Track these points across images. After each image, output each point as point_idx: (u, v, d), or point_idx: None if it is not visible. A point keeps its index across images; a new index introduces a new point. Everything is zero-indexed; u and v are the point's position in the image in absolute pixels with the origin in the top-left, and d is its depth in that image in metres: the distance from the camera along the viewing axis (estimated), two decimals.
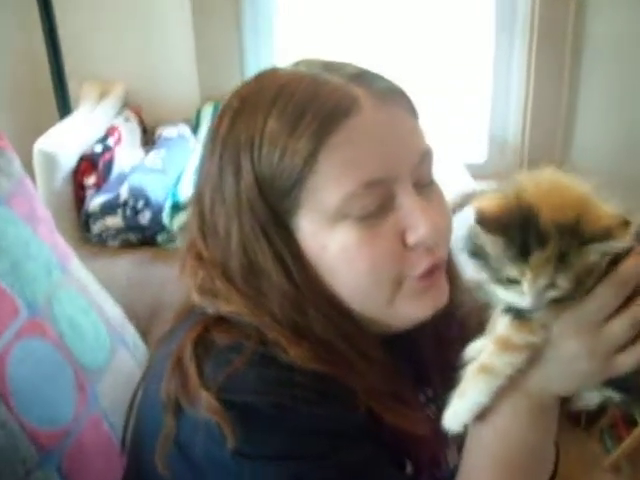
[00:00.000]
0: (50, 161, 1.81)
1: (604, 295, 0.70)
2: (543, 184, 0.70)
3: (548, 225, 0.67)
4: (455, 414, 0.78)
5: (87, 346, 1.19)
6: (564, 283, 0.68)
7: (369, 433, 0.80)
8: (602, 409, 2.35)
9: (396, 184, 0.81)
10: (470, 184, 2.03)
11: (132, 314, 1.47)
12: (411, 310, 0.85)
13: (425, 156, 0.85)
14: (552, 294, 0.69)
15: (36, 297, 1.13)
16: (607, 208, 0.70)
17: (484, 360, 0.76)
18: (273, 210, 0.81)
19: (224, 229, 0.84)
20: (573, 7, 2.24)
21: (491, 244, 0.69)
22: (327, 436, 0.77)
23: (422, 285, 0.84)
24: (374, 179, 0.79)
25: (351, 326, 0.84)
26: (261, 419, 0.75)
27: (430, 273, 0.84)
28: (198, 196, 0.88)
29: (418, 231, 0.81)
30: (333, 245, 0.81)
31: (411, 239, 0.81)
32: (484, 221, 0.68)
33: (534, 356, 0.74)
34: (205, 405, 0.75)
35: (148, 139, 2.27)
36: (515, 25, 2.34)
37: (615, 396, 0.77)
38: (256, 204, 0.81)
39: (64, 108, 2.17)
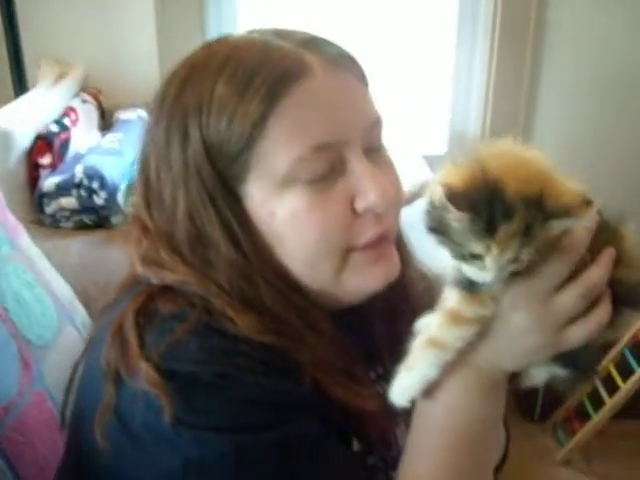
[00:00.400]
0: (5, 138, 1.76)
1: (552, 266, 0.70)
2: (506, 158, 0.70)
3: (514, 199, 0.66)
4: (402, 388, 0.77)
5: (33, 322, 1.16)
6: (526, 257, 0.67)
7: (315, 408, 0.79)
8: (556, 403, 2.38)
9: (346, 148, 0.81)
10: (428, 175, 2.03)
11: (84, 296, 1.44)
12: (360, 282, 0.84)
13: (375, 124, 0.85)
14: (513, 268, 0.68)
15: None
16: (569, 184, 0.69)
17: (433, 333, 0.75)
18: (221, 177, 0.80)
19: (170, 197, 0.82)
20: None
21: (457, 220, 0.68)
22: (270, 408, 0.75)
23: (370, 255, 0.83)
24: (324, 143, 0.78)
25: (300, 299, 0.83)
26: (203, 388, 0.73)
27: (377, 243, 0.83)
28: (143, 165, 0.86)
29: (368, 197, 0.80)
30: (282, 211, 0.80)
31: (360, 205, 0.81)
32: (452, 197, 0.66)
33: (484, 330, 0.74)
34: (144, 377, 0.73)
35: (107, 123, 2.23)
36: (477, 15, 2.37)
37: (561, 372, 0.77)
38: (204, 171, 0.79)
39: (20, 87, 2.13)
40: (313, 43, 0.83)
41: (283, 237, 0.81)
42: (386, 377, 0.96)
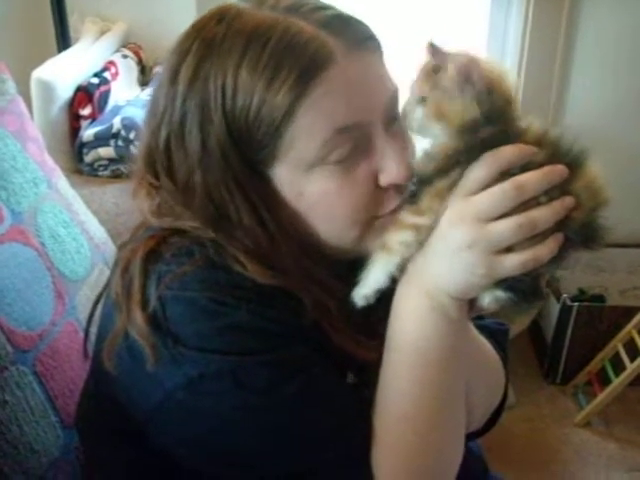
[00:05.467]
0: (47, 90, 1.85)
1: (496, 192, 0.75)
2: None
3: None
4: (360, 289, 0.83)
5: (67, 257, 1.23)
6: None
7: (311, 340, 0.83)
8: (578, 367, 2.41)
9: (369, 128, 0.84)
10: None
11: (119, 239, 1.50)
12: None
13: (393, 96, 0.88)
14: None
15: (21, 207, 1.18)
16: None
17: (383, 239, 0.82)
18: (247, 161, 0.82)
19: (185, 176, 0.84)
20: None
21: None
22: (264, 334, 0.80)
23: (390, 220, 0.86)
24: (348, 125, 0.81)
25: (320, 259, 0.87)
26: (201, 312, 0.79)
27: (398, 209, 0.86)
28: (152, 129, 0.87)
29: (391, 174, 0.84)
30: (310, 191, 0.83)
31: (384, 181, 0.85)
32: None
33: (423, 241, 0.79)
34: (136, 329, 0.79)
35: (147, 78, 2.29)
36: None
37: (503, 296, 0.80)
38: (228, 154, 0.82)
39: (63, 42, 2.20)
40: (333, 24, 0.83)
41: (310, 215, 0.85)
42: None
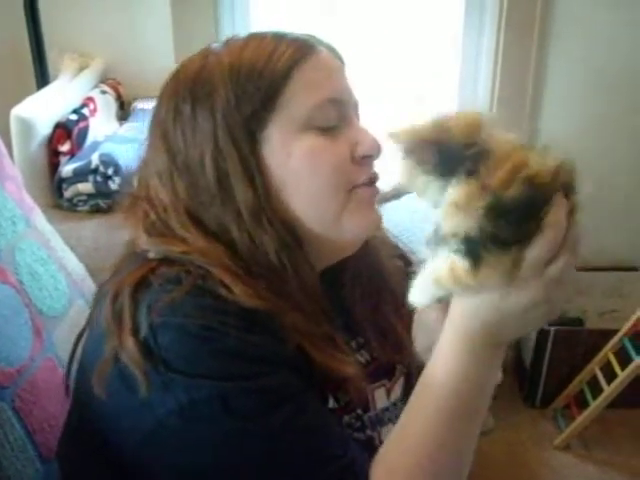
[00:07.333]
0: (26, 127, 1.87)
1: (546, 243, 0.75)
2: None
3: None
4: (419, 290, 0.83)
5: (45, 294, 1.25)
6: None
7: (296, 366, 0.86)
8: (557, 390, 2.43)
9: (348, 109, 0.97)
10: None
11: (97, 275, 1.52)
12: (355, 222, 0.95)
13: (357, 105, 1.01)
14: None
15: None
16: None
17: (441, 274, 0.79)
18: (245, 123, 0.91)
19: (198, 150, 0.91)
20: None
21: None
22: (251, 360, 0.83)
23: (367, 194, 0.96)
24: (335, 98, 0.94)
25: (298, 248, 0.93)
26: (190, 338, 0.81)
27: (372, 183, 0.96)
28: (167, 144, 0.94)
29: (365, 145, 0.95)
30: (298, 151, 0.92)
31: (360, 151, 0.95)
32: None
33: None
34: (128, 355, 0.81)
35: (126, 113, 2.33)
36: (484, 6, 2.42)
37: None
38: (230, 118, 0.90)
39: (42, 78, 2.23)
40: (313, 38, 0.98)
41: (296, 174, 0.92)
42: (366, 346, 1.05)
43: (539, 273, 0.75)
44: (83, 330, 1.00)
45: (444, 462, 0.84)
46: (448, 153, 0.76)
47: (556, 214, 0.75)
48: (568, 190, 0.77)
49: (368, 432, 1.01)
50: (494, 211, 0.73)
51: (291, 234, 0.93)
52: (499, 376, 0.87)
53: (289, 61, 0.92)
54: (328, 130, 0.93)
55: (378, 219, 0.99)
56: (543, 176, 0.74)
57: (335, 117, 0.94)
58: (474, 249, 0.74)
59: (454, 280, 0.77)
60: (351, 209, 0.94)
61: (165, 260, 0.89)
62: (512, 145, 0.76)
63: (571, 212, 0.77)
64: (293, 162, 0.92)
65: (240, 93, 0.90)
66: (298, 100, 0.92)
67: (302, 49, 0.94)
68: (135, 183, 1.01)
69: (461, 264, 0.76)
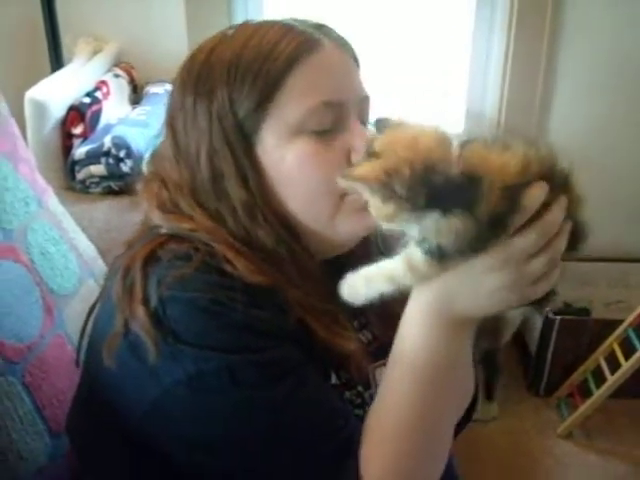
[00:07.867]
0: (40, 109, 1.90)
1: (532, 237, 0.77)
2: None
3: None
4: (354, 289, 0.87)
5: (56, 273, 1.28)
6: None
7: (299, 341, 0.89)
8: (561, 379, 2.45)
9: (346, 111, 0.95)
10: None
11: (108, 255, 1.55)
12: (349, 225, 0.97)
13: (366, 99, 1.00)
14: None
15: (12, 225, 1.23)
16: None
17: (392, 272, 0.83)
18: (240, 125, 0.92)
19: (195, 146, 0.94)
20: None
21: None
22: (257, 334, 0.86)
23: (359, 201, 0.92)
24: (330, 101, 0.93)
25: (295, 242, 0.95)
26: (200, 312, 0.84)
27: None
28: (172, 129, 0.98)
29: (360, 151, 0.92)
30: (291, 155, 0.93)
31: (354, 158, 0.94)
32: None
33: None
34: (139, 323, 0.84)
35: (138, 96, 2.35)
36: (495, 6, 2.42)
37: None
38: (226, 120, 0.92)
39: (57, 62, 2.26)
40: (322, 27, 0.98)
41: (289, 178, 0.94)
42: (368, 326, 1.08)
43: (512, 260, 0.77)
44: (95, 303, 1.02)
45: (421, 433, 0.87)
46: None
47: (553, 212, 0.77)
48: (552, 182, 0.77)
49: (368, 409, 1.03)
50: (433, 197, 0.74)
51: (287, 229, 0.95)
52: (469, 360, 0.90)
53: (287, 61, 0.91)
54: (323, 134, 0.93)
55: (372, 223, 0.95)
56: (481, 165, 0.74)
57: (330, 121, 0.93)
58: (430, 246, 0.78)
59: (412, 274, 0.81)
60: (344, 213, 0.96)
61: (175, 236, 0.93)
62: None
63: (568, 206, 0.79)
64: (286, 166, 0.93)
65: (236, 95, 0.92)
66: (292, 104, 0.91)
67: (304, 45, 0.93)
68: (147, 165, 1.04)
69: (419, 257, 0.79)
